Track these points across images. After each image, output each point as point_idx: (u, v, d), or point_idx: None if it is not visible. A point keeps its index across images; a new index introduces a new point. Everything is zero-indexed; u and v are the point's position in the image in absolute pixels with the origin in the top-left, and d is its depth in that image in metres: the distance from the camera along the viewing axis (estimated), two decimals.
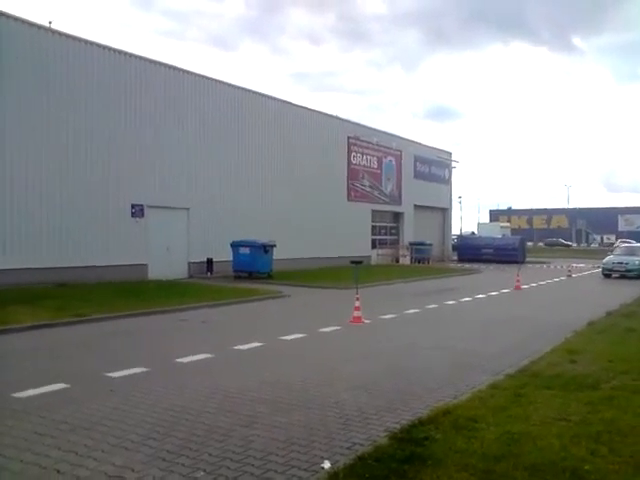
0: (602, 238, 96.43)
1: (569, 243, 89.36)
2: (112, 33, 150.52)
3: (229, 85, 25.19)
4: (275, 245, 22.50)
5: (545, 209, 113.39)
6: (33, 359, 8.66)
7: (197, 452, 4.94)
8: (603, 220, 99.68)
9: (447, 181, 44.30)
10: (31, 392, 6.62)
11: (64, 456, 4.80)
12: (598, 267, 36.31)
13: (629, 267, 25.99)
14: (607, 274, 26.68)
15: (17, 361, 8.52)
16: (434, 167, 42.04)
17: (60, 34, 18.85)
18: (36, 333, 10.68)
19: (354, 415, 6.01)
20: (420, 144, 40.85)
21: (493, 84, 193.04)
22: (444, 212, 44.32)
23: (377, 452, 4.67)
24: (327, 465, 4.62)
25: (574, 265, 34.22)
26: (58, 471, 4.51)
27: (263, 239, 22.43)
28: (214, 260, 22.71)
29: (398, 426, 5.45)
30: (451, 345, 10.20)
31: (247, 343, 9.75)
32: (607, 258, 28.19)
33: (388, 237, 37.44)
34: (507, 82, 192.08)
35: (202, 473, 4.52)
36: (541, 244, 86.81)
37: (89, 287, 16.91)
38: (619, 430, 5.21)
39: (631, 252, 28.11)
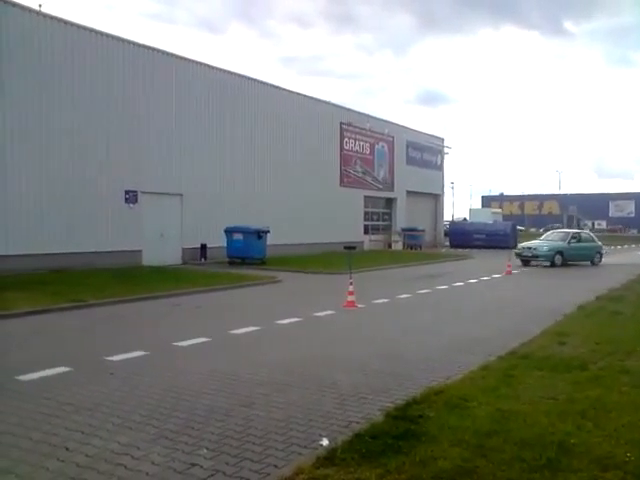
0: (593, 224, 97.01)
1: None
2: (97, 16, 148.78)
3: (220, 70, 25.15)
4: (269, 231, 22.62)
5: (537, 195, 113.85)
6: (34, 344, 8.80)
7: (199, 431, 5.11)
8: (594, 206, 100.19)
9: (439, 167, 44.48)
10: (34, 375, 6.78)
11: (71, 435, 4.97)
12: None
13: (536, 252, 24.76)
14: (523, 260, 25.12)
15: (18, 346, 8.66)
16: (426, 153, 42.17)
17: (57, 19, 18.78)
18: (35, 318, 10.81)
19: (350, 395, 6.20)
20: (412, 130, 40.95)
21: (484, 69, 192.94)
22: (436, 198, 44.53)
23: (373, 429, 4.85)
24: (325, 442, 4.80)
25: None
26: (67, 448, 4.68)
27: (256, 225, 22.56)
28: (208, 246, 22.84)
29: (393, 405, 5.64)
30: (443, 329, 10.41)
31: (243, 327, 9.91)
32: (523, 243, 27.45)
33: (381, 223, 37.64)
34: (498, 67, 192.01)
35: (205, 451, 4.69)
36: (533, 229, 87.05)
37: (84, 273, 17.00)
38: (604, 407, 5.43)
39: (550, 237, 27.06)
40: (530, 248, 25.11)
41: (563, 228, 45.51)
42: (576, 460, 4.26)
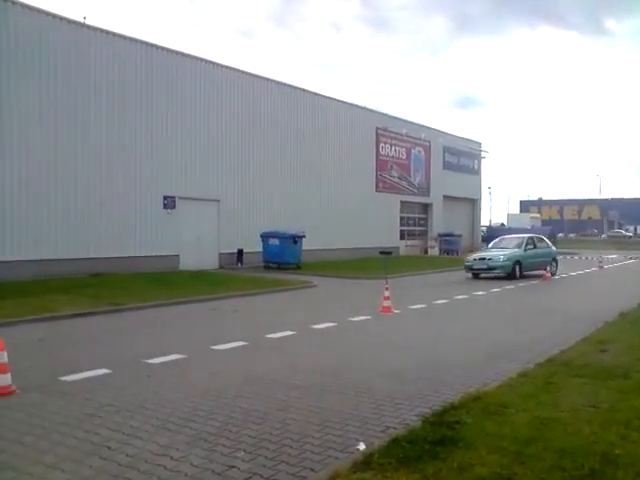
0: (635, 229, 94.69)
1: (629, 234, 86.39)
2: (136, 24, 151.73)
3: (261, 78, 25.44)
4: (304, 236, 22.72)
5: (576, 200, 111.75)
6: (75, 345, 9.01)
7: (236, 434, 5.16)
8: (636, 210, 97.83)
9: (476, 171, 44.02)
10: (76, 376, 6.94)
11: (112, 435, 5.08)
12: (630, 258, 35.95)
13: (491, 264, 20.79)
14: (474, 273, 21.49)
15: (60, 347, 8.87)
16: (463, 157, 41.80)
17: (101, 30, 19.28)
18: (76, 321, 11.06)
19: (386, 401, 6.18)
20: (449, 134, 40.64)
21: (521, 71, 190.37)
22: (473, 203, 44.07)
23: (410, 435, 4.83)
24: (362, 447, 4.80)
25: (605, 257, 33.77)
26: (109, 448, 4.78)
27: (292, 230, 22.67)
28: (244, 251, 23.04)
29: (429, 411, 5.60)
30: (480, 335, 10.29)
31: (279, 332, 9.97)
32: (474, 254, 23.45)
33: (417, 228, 37.42)
34: (535, 68, 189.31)
35: (242, 453, 4.73)
36: (572, 235, 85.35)
37: (123, 277, 17.34)
38: None
39: (503, 244, 22.93)
40: (484, 259, 21.35)
41: (603, 234, 44.33)
42: (621, 471, 4.15)
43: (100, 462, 4.51)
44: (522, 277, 20.90)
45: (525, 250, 21.69)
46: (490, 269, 20.79)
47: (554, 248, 24.30)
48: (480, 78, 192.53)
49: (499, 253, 21.46)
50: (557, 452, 4.44)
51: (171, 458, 4.60)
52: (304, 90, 27.89)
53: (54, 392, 6.36)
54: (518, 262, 20.92)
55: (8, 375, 6.32)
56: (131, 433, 5.13)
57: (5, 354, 6.31)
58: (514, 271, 20.64)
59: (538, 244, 22.90)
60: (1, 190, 16.69)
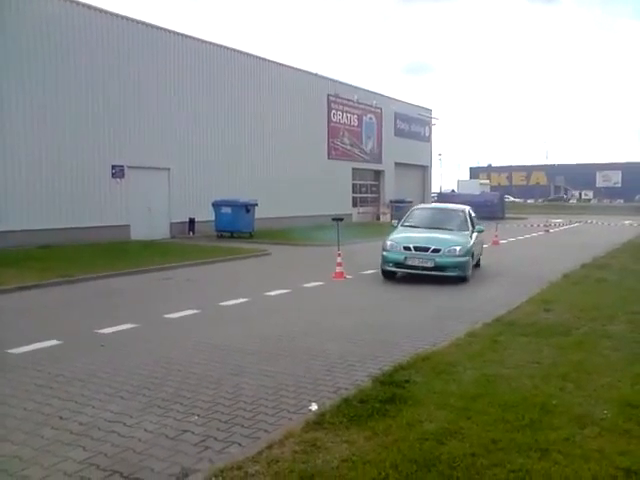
0: (580, 194, 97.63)
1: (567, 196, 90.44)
2: None
3: (206, 42, 24.76)
4: (257, 204, 22.61)
5: (524, 166, 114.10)
6: (23, 318, 8.81)
7: (190, 399, 5.20)
8: (581, 176, 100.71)
9: (427, 139, 44.39)
10: (25, 348, 6.82)
11: (64, 404, 5.04)
12: (576, 222, 37.17)
13: (440, 260, 12.04)
14: (390, 272, 12.68)
15: (7, 320, 8.67)
16: (414, 124, 42.04)
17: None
18: (24, 294, 10.79)
19: (338, 363, 6.31)
20: (400, 101, 40.70)
21: (471, 37, 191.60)
22: (424, 170, 44.53)
23: (361, 394, 4.96)
24: (314, 407, 4.92)
25: (552, 221, 34.84)
26: (60, 417, 4.76)
27: (245, 198, 22.52)
28: (196, 220, 22.78)
29: (380, 371, 5.75)
30: (430, 298, 10.55)
31: (232, 299, 9.98)
32: (394, 236, 13.11)
33: (369, 195, 37.65)
34: (485, 34, 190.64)
35: (196, 417, 4.78)
36: (519, 200, 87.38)
37: (73, 248, 16.94)
38: (585, 370, 5.58)
39: (442, 221, 13.98)
40: (425, 249, 12.21)
41: (550, 198, 45.07)
42: (557, 419, 4.41)
43: (52, 432, 4.48)
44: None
45: (471, 234, 13.45)
46: (439, 268, 12.03)
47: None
48: (430, 44, 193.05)
49: (447, 238, 12.70)
50: (501, 406, 4.65)
51: (124, 424, 4.62)
52: (251, 55, 27.37)
53: (2, 365, 6.24)
54: (472, 255, 12.95)
55: None
56: (83, 402, 5.11)
57: None
58: (468, 272, 12.52)
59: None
60: None
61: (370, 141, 36.77)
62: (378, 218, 36.33)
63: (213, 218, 22.42)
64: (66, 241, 17.85)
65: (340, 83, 34.16)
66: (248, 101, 26.56)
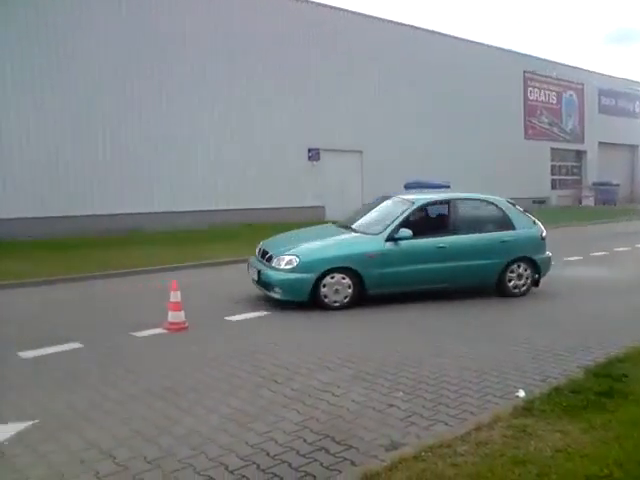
0: None
1: None
2: None
3: (399, 24, 24.82)
4: (449, 186, 22.16)
5: None
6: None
7: (394, 375, 5.30)
8: None
9: (637, 115, 40.24)
10: (238, 317, 7.47)
11: (277, 370, 5.44)
12: None
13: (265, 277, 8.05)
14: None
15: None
16: (621, 100, 38.36)
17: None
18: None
19: (544, 351, 6.02)
20: (604, 75, 37.36)
21: None
22: (633, 149, 40.48)
23: (573, 385, 4.69)
24: (522, 394, 4.74)
25: None
26: (276, 381, 5.13)
27: (437, 180, 22.25)
28: None
29: (592, 363, 5.39)
30: None
31: None
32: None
33: (569, 177, 35.24)
34: None
35: (401, 394, 4.86)
36: None
37: (271, 226, 18.05)
38: None
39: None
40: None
41: None
42: None
43: (270, 394, 4.86)
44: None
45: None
46: (264, 284, 8.21)
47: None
48: (637, 7, 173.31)
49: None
50: None
51: (332, 394, 4.84)
52: (443, 34, 26.91)
53: (219, 329, 6.90)
54: None
55: (182, 312, 6.96)
56: (294, 370, 5.45)
57: (179, 293, 6.95)
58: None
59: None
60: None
61: (571, 119, 34.32)
62: (580, 202, 33.88)
63: None
64: (267, 221, 19.12)
65: (537, 59, 32.23)
66: (443, 82, 26.11)
